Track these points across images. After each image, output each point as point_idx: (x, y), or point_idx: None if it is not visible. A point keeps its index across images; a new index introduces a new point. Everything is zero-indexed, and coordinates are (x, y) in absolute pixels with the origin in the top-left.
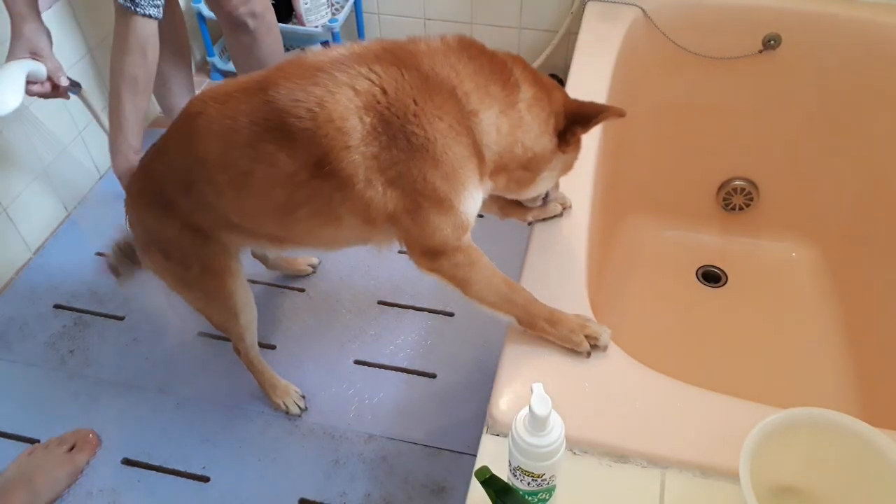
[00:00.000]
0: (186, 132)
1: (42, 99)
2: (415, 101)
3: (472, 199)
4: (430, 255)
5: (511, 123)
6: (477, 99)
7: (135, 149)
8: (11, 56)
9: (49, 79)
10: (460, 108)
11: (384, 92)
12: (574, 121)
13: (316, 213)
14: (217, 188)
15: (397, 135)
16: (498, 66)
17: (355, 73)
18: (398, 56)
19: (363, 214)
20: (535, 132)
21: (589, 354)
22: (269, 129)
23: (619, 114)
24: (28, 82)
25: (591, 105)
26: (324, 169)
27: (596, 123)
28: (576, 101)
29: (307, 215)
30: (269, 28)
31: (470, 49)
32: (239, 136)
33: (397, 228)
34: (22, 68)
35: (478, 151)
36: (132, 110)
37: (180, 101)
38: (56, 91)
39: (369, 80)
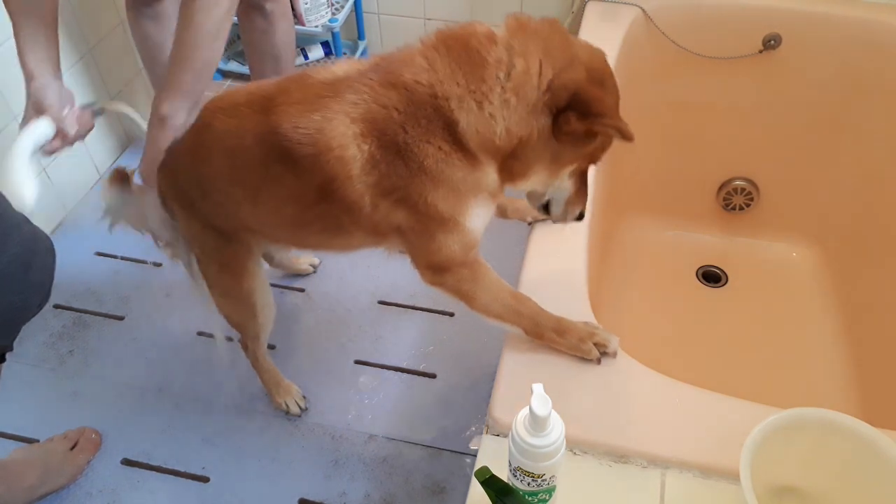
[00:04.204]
0: (198, 145)
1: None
2: (404, 128)
3: (477, 213)
4: (434, 269)
5: (488, 117)
6: (456, 104)
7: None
8: (24, 120)
9: (59, 131)
10: (445, 120)
11: (375, 120)
12: (572, 105)
13: (327, 228)
14: (234, 199)
15: (394, 160)
16: (473, 54)
17: (351, 100)
18: (386, 77)
19: (372, 230)
20: (519, 114)
21: (599, 361)
22: (274, 150)
23: (627, 137)
24: (43, 149)
25: (603, 102)
26: (330, 193)
27: (594, 124)
28: (590, 90)
29: (319, 230)
30: (284, 12)
31: (448, 41)
32: (248, 154)
33: (403, 241)
34: (26, 147)
35: (475, 162)
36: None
37: None
38: (72, 137)
39: (362, 107)
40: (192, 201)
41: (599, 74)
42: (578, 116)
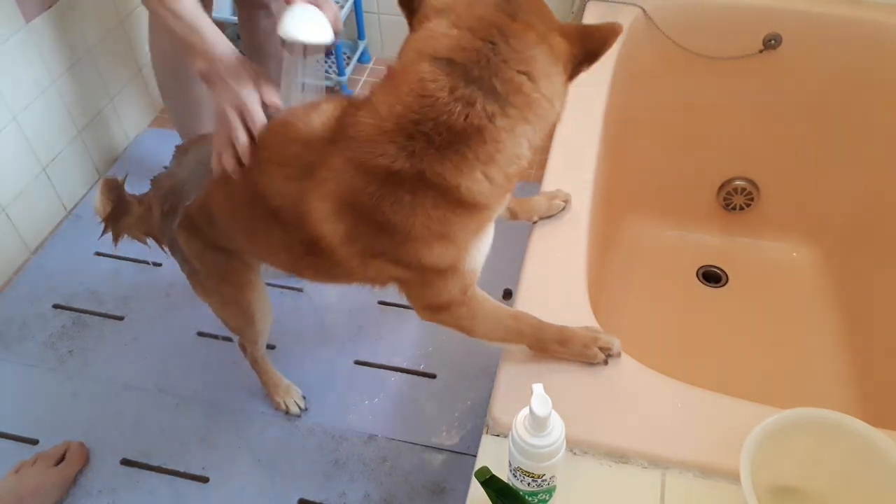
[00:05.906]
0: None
1: None
2: (379, 207)
3: (479, 249)
4: (432, 310)
5: (510, 158)
6: (453, 175)
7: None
8: None
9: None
10: (438, 190)
11: (345, 198)
12: (582, 61)
13: (320, 273)
14: (232, 230)
15: (377, 233)
16: (458, 129)
17: (320, 177)
18: (354, 155)
19: (367, 281)
20: (539, 125)
21: (606, 363)
22: (262, 204)
23: (616, 31)
24: None
25: (592, 38)
26: (317, 250)
27: (603, 54)
28: (577, 42)
29: (312, 274)
30: None
31: (418, 118)
32: (241, 201)
33: (401, 288)
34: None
35: (480, 208)
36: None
37: (205, 127)
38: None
39: (331, 184)
40: (198, 226)
41: (548, 29)
42: (588, 63)
